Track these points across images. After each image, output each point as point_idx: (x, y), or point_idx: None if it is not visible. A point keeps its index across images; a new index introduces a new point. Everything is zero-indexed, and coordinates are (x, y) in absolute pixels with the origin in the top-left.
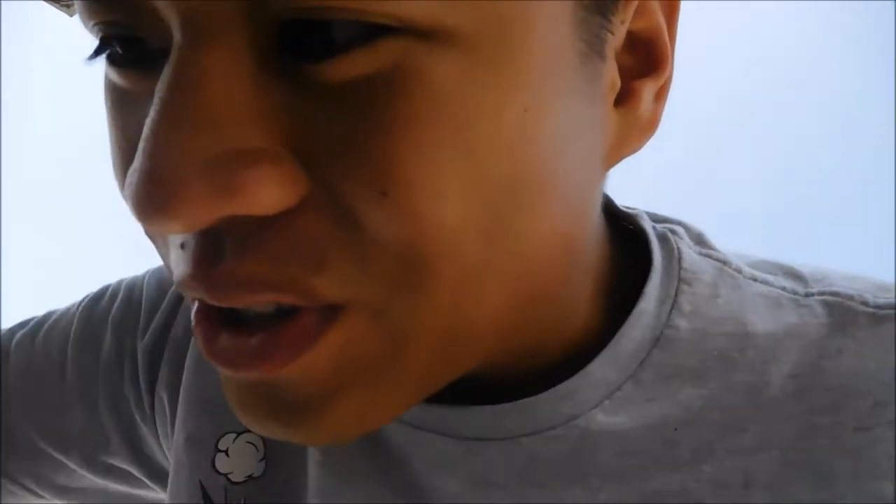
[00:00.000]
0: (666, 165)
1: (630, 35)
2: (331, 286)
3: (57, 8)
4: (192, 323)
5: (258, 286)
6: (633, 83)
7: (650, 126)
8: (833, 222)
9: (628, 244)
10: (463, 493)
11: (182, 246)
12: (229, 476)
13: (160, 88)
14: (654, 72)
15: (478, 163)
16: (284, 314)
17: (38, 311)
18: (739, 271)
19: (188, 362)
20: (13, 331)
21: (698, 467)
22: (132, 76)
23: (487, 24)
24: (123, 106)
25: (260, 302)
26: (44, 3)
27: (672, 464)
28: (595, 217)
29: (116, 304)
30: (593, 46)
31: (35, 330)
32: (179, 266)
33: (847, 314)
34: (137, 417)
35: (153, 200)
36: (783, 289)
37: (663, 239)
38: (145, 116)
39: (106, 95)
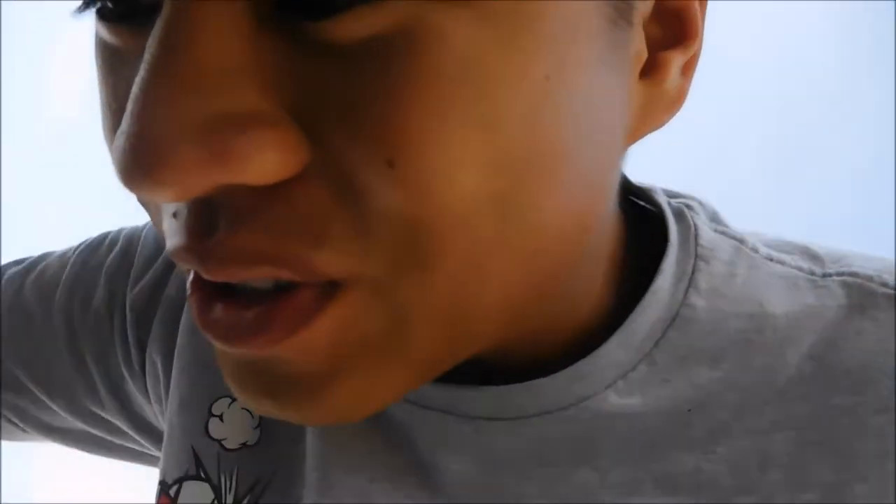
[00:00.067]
0: (665, 165)
1: (659, 4)
2: (331, 261)
3: None
4: (188, 292)
5: (254, 260)
6: (661, 54)
7: (676, 100)
8: (833, 223)
9: (642, 220)
10: (469, 472)
11: (174, 215)
12: (223, 443)
13: (150, 45)
14: (682, 44)
15: (493, 133)
16: (282, 290)
17: None
18: (756, 250)
19: (183, 323)
20: (6, 267)
21: (712, 448)
22: (123, 32)
23: None
24: (113, 64)
25: (256, 277)
26: None
27: (685, 444)
28: (613, 194)
29: (113, 254)
30: (621, 12)
31: (28, 269)
32: (172, 236)
33: (866, 295)
34: (125, 372)
35: (141, 166)
36: (800, 269)
37: (679, 214)
38: (136, 76)
39: (95, 53)
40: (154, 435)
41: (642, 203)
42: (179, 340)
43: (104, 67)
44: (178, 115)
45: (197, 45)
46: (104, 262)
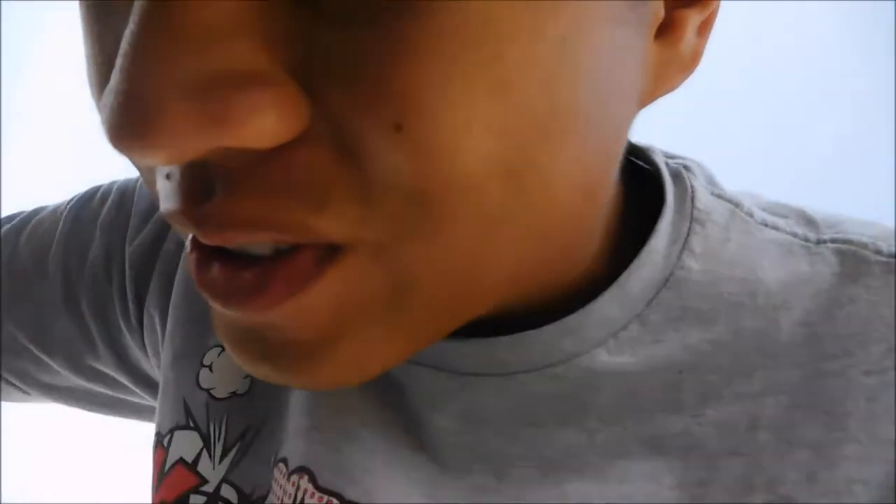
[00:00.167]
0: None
1: None
2: (332, 226)
3: None
4: (187, 250)
5: (253, 226)
6: (677, 13)
7: (691, 62)
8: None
9: (639, 179)
10: (454, 428)
11: (168, 176)
12: (211, 391)
13: None
14: (699, 2)
15: (507, 96)
16: (281, 254)
17: None
18: (751, 215)
19: (178, 278)
20: None
21: (701, 411)
22: None
23: None
24: (101, 14)
25: (255, 241)
26: None
27: (674, 407)
28: (620, 159)
29: (107, 207)
30: None
31: (20, 226)
32: (166, 199)
33: (860, 263)
34: (123, 326)
35: (130, 126)
36: (794, 235)
37: (676, 176)
38: (125, 28)
39: (81, 2)
40: (153, 387)
41: (639, 162)
42: (174, 294)
43: (90, 17)
44: (172, 72)
45: None
46: (98, 215)
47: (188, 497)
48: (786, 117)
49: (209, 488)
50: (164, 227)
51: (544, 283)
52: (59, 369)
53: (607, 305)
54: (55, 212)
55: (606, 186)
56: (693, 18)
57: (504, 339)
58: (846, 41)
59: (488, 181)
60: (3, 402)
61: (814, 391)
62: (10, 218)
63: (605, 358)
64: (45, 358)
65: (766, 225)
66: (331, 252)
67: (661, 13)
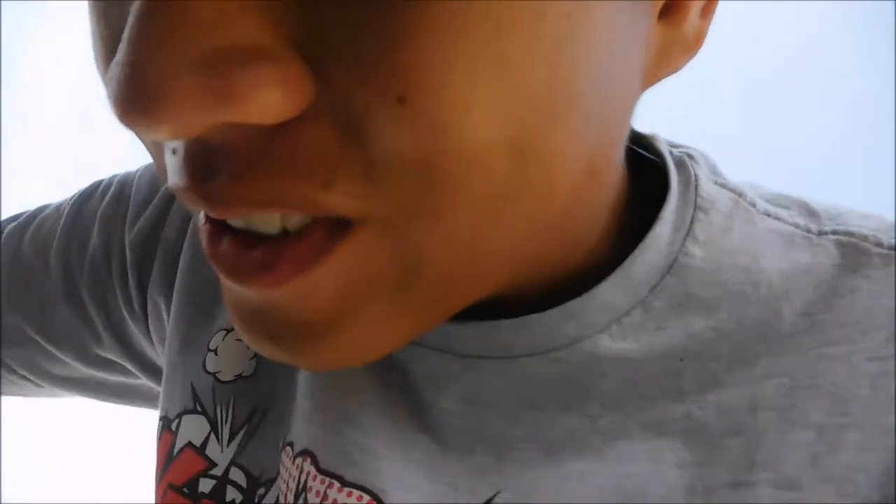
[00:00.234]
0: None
1: None
2: (340, 200)
3: None
4: (200, 223)
5: (260, 203)
6: None
7: (695, 43)
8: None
9: (643, 167)
10: (456, 410)
11: (174, 151)
12: (217, 375)
13: None
14: None
15: (512, 72)
16: (289, 234)
17: None
18: (753, 205)
19: (181, 264)
20: (4, 224)
21: (703, 396)
22: None
23: None
24: None
25: (263, 214)
26: None
27: (675, 394)
28: (624, 141)
29: (106, 200)
30: None
31: (25, 224)
32: (173, 174)
33: (861, 255)
34: (126, 315)
35: (136, 99)
36: (796, 226)
37: (680, 163)
38: (131, 2)
39: None
40: (159, 375)
41: (642, 151)
42: (178, 281)
43: None
44: (179, 46)
45: None
46: (98, 208)
47: (197, 481)
48: (785, 117)
49: (218, 471)
50: (162, 214)
51: (548, 265)
52: (68, 360)
53: (610, 290)
54: (59, 208)
55: (610, 166)
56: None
57: (507, 323)
58: (846, 41)
59: (492, 156)
60: (4, 399)
61: (816, 374)
62: (16, 217)
63: (607, 343)
64: (54, 350)
65: (768, 215)
66: (341, 227)
67: None
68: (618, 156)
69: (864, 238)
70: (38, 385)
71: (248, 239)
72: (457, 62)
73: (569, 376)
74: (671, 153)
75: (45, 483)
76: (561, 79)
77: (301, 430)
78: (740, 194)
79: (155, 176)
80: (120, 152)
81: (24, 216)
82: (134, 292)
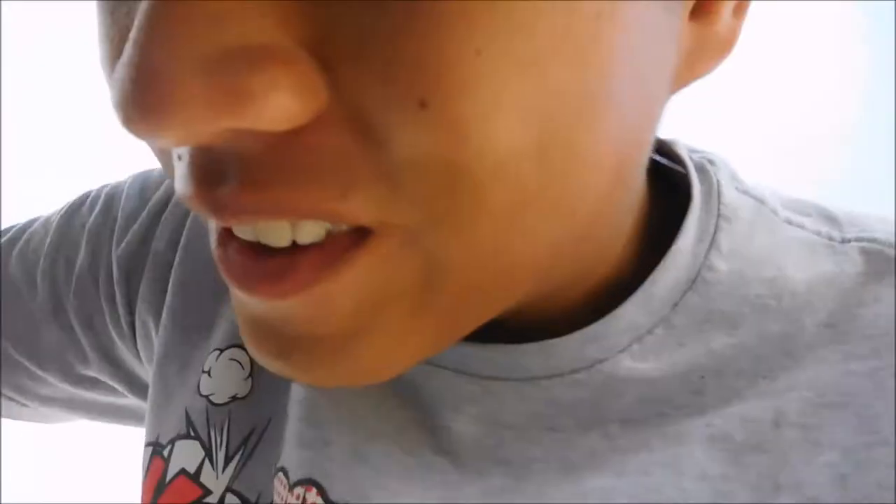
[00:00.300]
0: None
1: None
2: (360, 210)
3: None
4: (212, 227)
5: (272, 211)
6: None
7: (727, 45)
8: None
9: (662, 174)
10: (473, 433)
11: (179, 157)
12: (211, 398)
13: None
14: None
15: (539, 75)
16: (299, 248)
17: None
18: (776, 212)
19: (173, 280)
20: None
21: (724, 409)
22: None
23: None
24: None
25: (272, 222)
26: None
27: (697, 412)
28: (651, 145)
29: (94, 215)
30: None
31: (13, 240)
32: (179, 181)
33: (885, 262)
34: (114, 334)
35: (142, 101)
36: (818, 233)
37: (701, 170)
38: (140, 1)
39: None
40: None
41: (660, 158)
42: (170, 298)
43: None
44: (187, 46)
45: None
46: (86, 223)
47: None
48: (785, 117)
49: (213, 499)
50: (151, 227)
51: (571, 278)
52: (54, 381)
53: (633, 310)
54: (46, 223)
55: (636, 173)
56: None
57: (529, 347)
58: (846, 41)
59: (519, 161)
60: (5, 417)
61: (843, 391)
62: (6, 231)
63: (628, 364)
64: (38, 371)
65: (790, 223)
66: (360, 237)
67: None
68: (644, 162)
69: (890, 244)
70: (23, 405)
71: (258, 250)
72: (481, 61)
73: (588, 398)
74: (691, 159)
75: (44, 483)
76: (590, 79)
77: (299, 457)
78: (762, 201)
79: (144, 187)
80: (123, 154)
81: (13, 231)
82: (122, 310)
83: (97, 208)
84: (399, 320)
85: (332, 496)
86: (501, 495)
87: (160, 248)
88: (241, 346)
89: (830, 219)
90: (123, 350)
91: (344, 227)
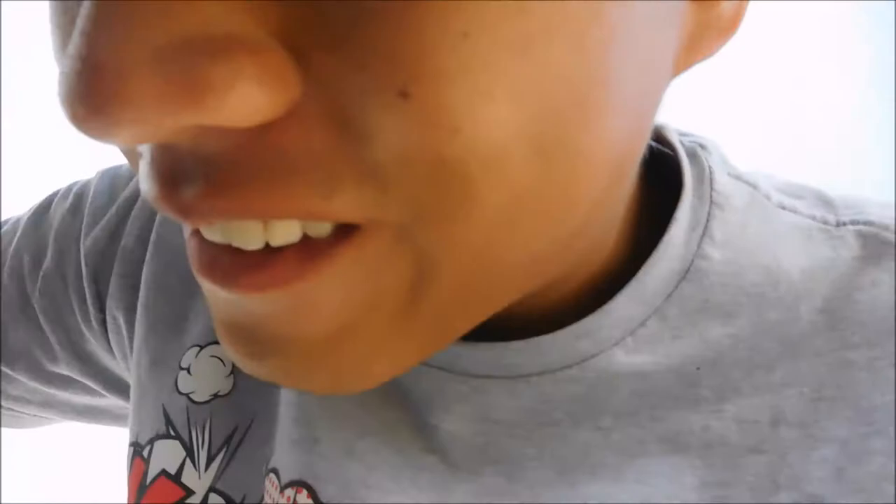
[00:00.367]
0: None
1: None
2: (347, 209)
3: None
4: (187, 229)
5: (244, 215)
6: None
7: (730, 26)
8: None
9: (653, 159)
10: (464, 431)
11: (140, 154)
12: (191, 396)
13: None
14: None
15: (533, 55)
16: (274, 250)
17: None
18: (769, 198)
19: (145, 276)
20: None
21: (721, 406)
22: None
23: None
24: None
25: (243, 223)
26: None
27: (692, 404)
28: (650, 134)
29: (62, 213)
30: None
31: None
32: (142, 180)
33: (882, 246)
34: (84, 330)
35: (88, 97)
36: (813, 217)
37: (692, 155)
38: None
39: None
40: (125, 391)
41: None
42: (143, 295)
43: None
44: (140, 36)
45: None
46: (53, 222)
47: None
48: (785, 117)
49: (195, 500)
50: (120, 223)
51: (563, 275)
52: (24, 380)
53: (625, 304)
54: (16, 223)
55: (634, 164)
56: None
57: (518, 344)
58: (846, 40)
59: (513, 157)
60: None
61: (839, 383)
62: None
63: (621, 358)
64: (8, 371)
65: (783, 208)
66: (344, 233)
67: None
68: (642, 150)
69: (886, 228)
70: (6, 409)
71: (230, 249)
72: (470, 44)
73: (581, 393)
74: (682, 144)
75: (44, 483)
76: (588, 64)
77: (290, 458)
78: (755, 186)
79: (113, 183)
80: (118, 155)
81: None
82: (91, 308)
83: (66, 206)
84: (386, 322)
85: (323, 497)
86: (494, 496)
87: (129, 244)
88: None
89: (825, 202)
90: (96, 346)
91: (326, 226)
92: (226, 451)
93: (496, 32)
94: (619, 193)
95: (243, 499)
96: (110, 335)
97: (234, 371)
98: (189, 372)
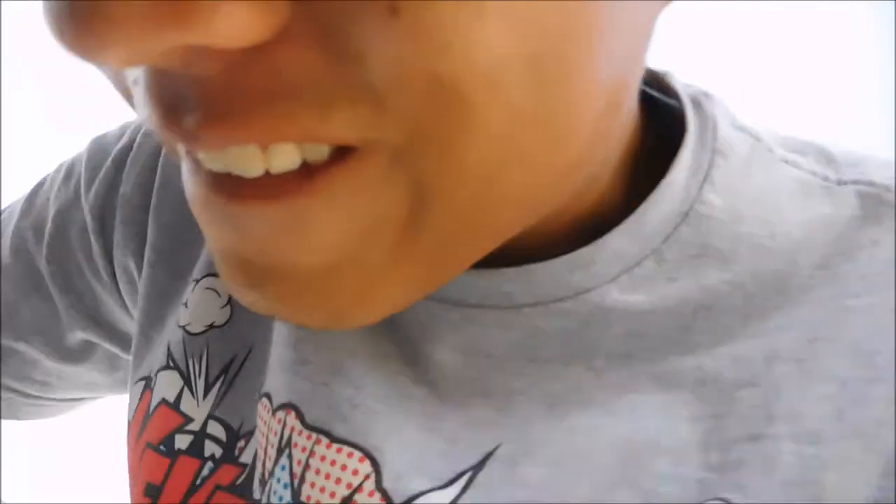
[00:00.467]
0: None
1: None
2: (343, 130)
3: None
4: (185, 170)
5: (245, 140)
6: None
7: None
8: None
9: (655, 106)
10: (453, 362)
11: (135, 82)
12: (187, 328)
13: None
14: None
15: None
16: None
17: None
18: (771, 150)
19: (152, 220)
20: None
21: (715, 349)
22: None
23: None
24: None
25: (244, 147)
26: None
27: (686, 347)
28: (644, 66)
29: (56, 184)
30: None
31: None
32: (140, 108)
33: (882, 206)
34: (97, 288)
35: (76, 15)
36: (814, 174)
37: (696, 103)
38: None
39: None
40: None
41: (652, 91)
42: (152, 238)
43: None
44: None
45: None
46: (49, 194)
47: (173, 437)
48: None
49: (195, 426)
50: (116, 175)
51: (559, 208)
52: (43, 358)
53: (621, 239)
54: (11, 208)
55: (630, 94)
56: None
57: (510, 271)
58: (846, 40)
59: (508, 76)
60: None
61: (837, 325)
62: None
63: (616, 295)
64: (26, 348)
65: (786, 162)
66: (341, 156)
67: None
68: (637, 83)
69: (887, 189)
70: (25, 396)
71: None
72: None
73: (573, 328)
74: (686, 92)
75: (44, 483)
76: None
77: (280, 381)
78: (758, 139)
79: (103, 143)
80: None
81: None
82: (100, 261)
83: (59, 178)
84: (386, 253)
85: (308, 418)
86: (483, 427)
87: (128, 191)
88: (217, 275)
89: (828, 158)
90: (112, 305)
91: (324, 150)
92: (223, 380)
93: None
94: (615, 123)
95: (241, 425)
96: (121, 284)
97: (231, 302)
98: (186, 305)
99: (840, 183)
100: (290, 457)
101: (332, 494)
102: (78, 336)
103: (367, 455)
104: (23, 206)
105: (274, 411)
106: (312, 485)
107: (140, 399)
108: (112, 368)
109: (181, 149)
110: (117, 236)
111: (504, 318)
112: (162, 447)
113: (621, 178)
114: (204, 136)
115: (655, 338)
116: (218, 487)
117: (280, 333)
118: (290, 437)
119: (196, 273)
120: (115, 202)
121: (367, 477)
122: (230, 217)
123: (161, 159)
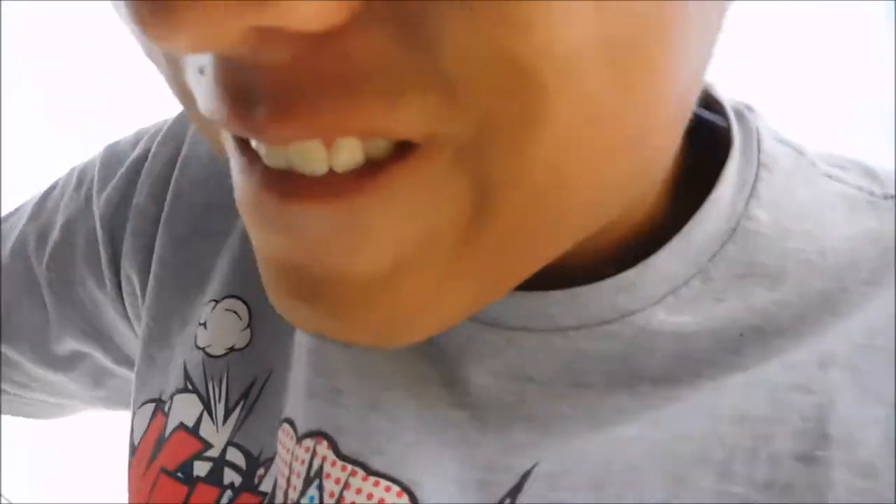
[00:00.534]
0: None
1: None
2: (410, 122)
3: None
4: (236, 169)
5: (311, 134)
6: None
7: None
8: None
9: (696, 119)
10: (495, 386)
11: (201, 71)
12: (207, 350)
13: None
14: None
15: None
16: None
17: None
18: (814, 164)
19: (163, 234)
20: None
21: (764, 368)
22: None
23: None
24: None
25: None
26: None
27: (733, 370)
28: (703, 81)
29: (68, 191)
30: None
31: None
32: (206, 100)
33: None
34: (99, 299)
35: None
36: (859, 188)
37: (740, 116)
38: None
39: None
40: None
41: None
42: (160, 250)
43: None
44: None
45: None
46: (58, 202)
47: (192, 464)
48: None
49: (214, 453)
50: (130, 184)
51: (604, 227)
52: (27, 363)
53: (668, 260)
54: (19, 210)
55: (694, 97)
56: None
57: (556, 294)
58: (846, 41)
59: (589, 61)
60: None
61: (890, 336)
62: None
63: (662, 317)
64: (11, 352)
65: (829, 177)
66: (402, 153)
67: None
68: (696, 98)
69: None
70: (16, 396)
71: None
72: None
73: (618, 352)
74: (730, 105)
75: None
76: None
77: (307, 407)
78: (801, 153)
79: (116, 150)
80: None
81: None
82: (106, 271)
83: (70, 185)
84: (443, 261)
85: (343, 449)
86: (522, 450)
87: (141, 202)
88: (238, 297)
89: (870, 174)
90: (111, 314)
91: (385, 145)
92: (243, 405)
93: None
94: (678, 134)
95: (260, 452)
96: (125, 296)
97: (251, 324)
98: (205, 327)
99: (886, 197)
100: (320, 488)
101: None
102: (68, 346)
103: (405, 489)
104: (32, 209)
105: (299, 439)
106: None
107: (150, 422)
108: (94, 385)
109: (231, 145)
110: (126, 246)
111: (548, 341)
112: (179, 474)
113: (665, 195)
114: (272, 129)
115: (701, 360)
116: None
117: (301, 356)
118: (321, 467)
119: (214, 293)
120: (126, 212)
121: None
122: (284, 218)
123: (175, 171)
